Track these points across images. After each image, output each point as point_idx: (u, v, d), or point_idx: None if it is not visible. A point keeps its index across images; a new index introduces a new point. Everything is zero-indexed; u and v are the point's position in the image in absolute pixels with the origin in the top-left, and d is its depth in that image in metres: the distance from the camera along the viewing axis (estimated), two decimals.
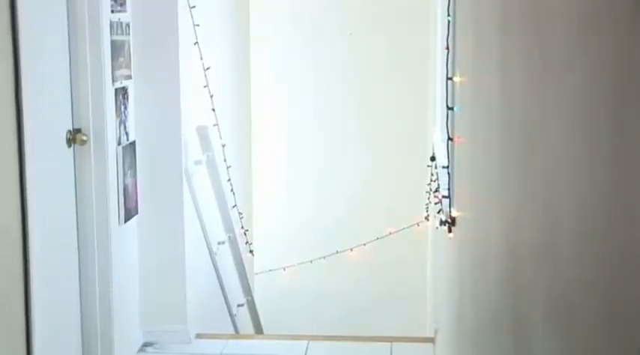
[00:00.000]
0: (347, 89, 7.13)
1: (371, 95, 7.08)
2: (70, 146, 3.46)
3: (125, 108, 3.76)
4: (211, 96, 4.80)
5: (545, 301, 1.22)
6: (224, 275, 5.10)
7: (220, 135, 5.02)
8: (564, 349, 1.10)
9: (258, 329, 5.42)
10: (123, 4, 3.72)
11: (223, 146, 5.06)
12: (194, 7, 4.24)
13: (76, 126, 3.48)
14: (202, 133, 4.71)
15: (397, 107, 7.01)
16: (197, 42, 4.44)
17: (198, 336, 4.28)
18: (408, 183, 6.56)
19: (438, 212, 3.56)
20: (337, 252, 6.76)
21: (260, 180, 6.98)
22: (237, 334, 5.20)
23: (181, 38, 4.01)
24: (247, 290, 5.44)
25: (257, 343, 4.77)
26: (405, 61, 6.89)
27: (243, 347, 4.47)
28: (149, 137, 3.96)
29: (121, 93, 3.72)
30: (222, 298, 5.11)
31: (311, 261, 6.92)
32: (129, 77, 3.80)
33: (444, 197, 3.25)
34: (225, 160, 5.12)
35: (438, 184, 3.77)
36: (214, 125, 4.91)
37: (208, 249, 4.83)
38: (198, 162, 4.61)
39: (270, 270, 7.01)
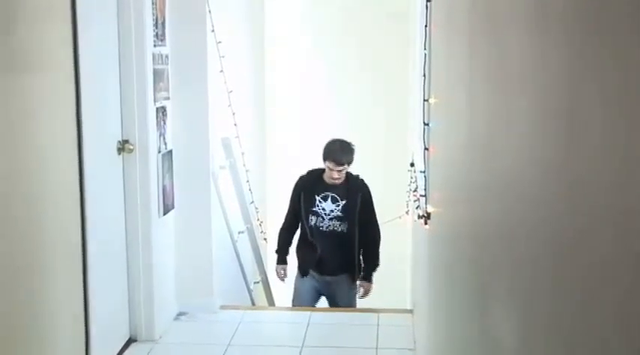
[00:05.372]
0: (337, 102, 7.14)
1: (359, 111, 7.07)
2: (119, 154, 3.47)
3: (164, 123, 3.77)
4: (233, 114, 4.81)
5: (505, 278, 1.23)
6: (243, 258, 5.10)
7: (240, 144, 5.03)
8: (524, 319, 1.10)
9: (271, 302, 5.42)
10: (163, 40, 3.73)
11: (243, 154, 5.06)
12: (220, 42, 4.26)
13: (124, 138, 3.48)
14: (226, 143, 4.72)
15: (384, 122, 7.02)
16: (222, 70, 4.46)
17: (222, 307, 4.28)
18: (392, 184, 6.55)
19: (417, 208, 3.55)
20: None
21: (272, 180, 6.99)
22: (253, 306, 5.19)
23: (209, 67, 4.02)
24: (262, 270, 5.45)
25: (270, 313, 4.77)
26: (388, 85, 6.89)
27: (259, 316, 4.47)
28: (183, 146, 3.97)
29: (161, 111, 3.72)
30: (242, 276, 5.11)
31: None
32: (167, 98, 3.81)
33: (421, 196, 3.24)
34: (244, 165, 5.13)
35: (417, 185, 3.77)
36: (236, 137, 4.92)
37: (230, 236, 4.83)
38: (222, 167, 4.62)
39: None
